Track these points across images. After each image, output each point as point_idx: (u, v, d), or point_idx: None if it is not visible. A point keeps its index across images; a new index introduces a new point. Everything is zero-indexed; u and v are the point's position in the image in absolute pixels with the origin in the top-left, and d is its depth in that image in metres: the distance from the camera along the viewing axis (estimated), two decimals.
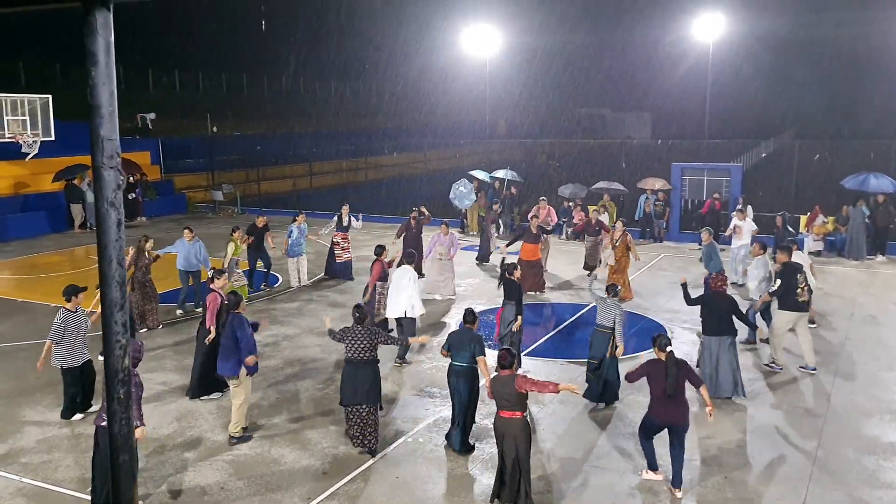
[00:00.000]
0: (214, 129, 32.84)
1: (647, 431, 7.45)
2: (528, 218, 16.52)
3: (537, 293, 14.82)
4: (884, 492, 7.32)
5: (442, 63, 47.06)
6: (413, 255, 11.96)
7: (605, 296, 9.60)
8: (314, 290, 15.71)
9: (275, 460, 8.16)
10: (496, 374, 7.10)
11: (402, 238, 16.18)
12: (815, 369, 10.46)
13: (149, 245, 12.75)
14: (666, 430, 7.31)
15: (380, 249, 12.16)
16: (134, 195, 25.86)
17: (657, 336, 7.46)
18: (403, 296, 11.12)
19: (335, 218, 16.50)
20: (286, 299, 15.01)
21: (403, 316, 11.16)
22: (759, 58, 62.26)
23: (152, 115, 31.87)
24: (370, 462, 8.05)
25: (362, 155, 38.52)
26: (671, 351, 7.22)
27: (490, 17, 36.19)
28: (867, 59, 63.50)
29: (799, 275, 10.43)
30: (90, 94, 2.46)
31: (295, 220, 15.98)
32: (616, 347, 9.30)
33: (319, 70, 55.18)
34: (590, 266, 16.29)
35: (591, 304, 14.32)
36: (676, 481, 7.28)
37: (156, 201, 27.37)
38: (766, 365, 10.72)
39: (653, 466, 7.53)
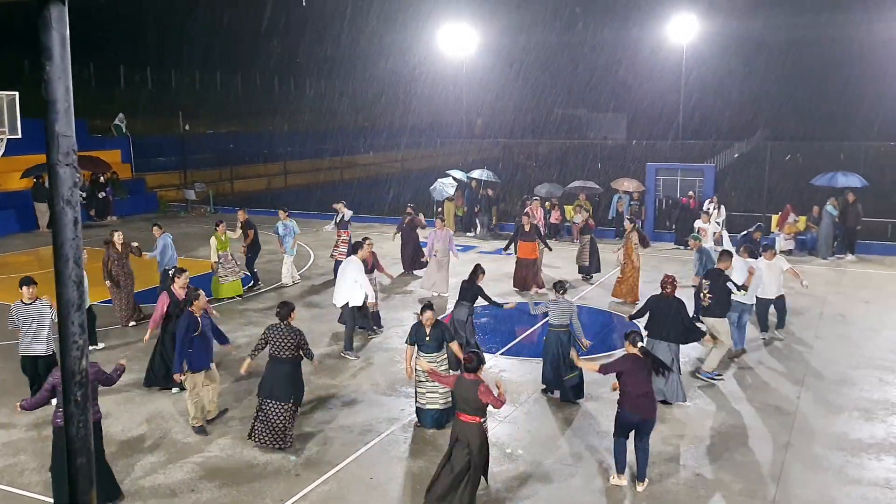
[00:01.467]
0: (187, 127, 32.47)
1: (623, 429, 7.43)
2: (522, 217, 16.45)
3: (536, 291, 14.84)
4: (852, 488, 7.42)
5: (418, 62, 47.00)
6: (358, 246, 11.96)
7: (555, 294, 9.72)
8: (293, 289, 15.57)
9: (246, 462, 8.06)
10: (461, 375, 7.04)
11: (398, 236, 16.72)
12: (719, 374, 10.39)
13: (116, 238, 12.75)
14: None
15: (358, 245, 12.13)
16: (104, 194, 25.48)
17: (630, 332, 7.51)
18: (343, 286, 11.36)
19: (334, 216, 16.49)
20: (260, 299, 14.86)
21: (346, 305, 11.36)
22: (733, 60, 62.96)
23: (122, 119, 31.28)
24: (344, 463, 7.99)
25: (338, 154, 38.31)
26: (643, 346, 7.26)
27: (466, 17, 36.17)
28: (839, 62, 64.54)
29: (727, 282, 10.34)
30: (45, 90, 2.38)
31: (279, 217, 15.79)
32: (573, 348, 9.40)
33: (294, 68, 54.83)
34: (583, 269, 16.11)
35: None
36: (641, 475, 7.39)
37: (127, 200, 26.99)
38: (709, 378, 10.25)
39: (621, 470, 7.49)
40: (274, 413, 8.18)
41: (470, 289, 10.66)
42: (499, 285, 15.02)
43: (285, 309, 8.44)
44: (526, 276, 15.11)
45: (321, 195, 28.96)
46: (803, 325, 12.85)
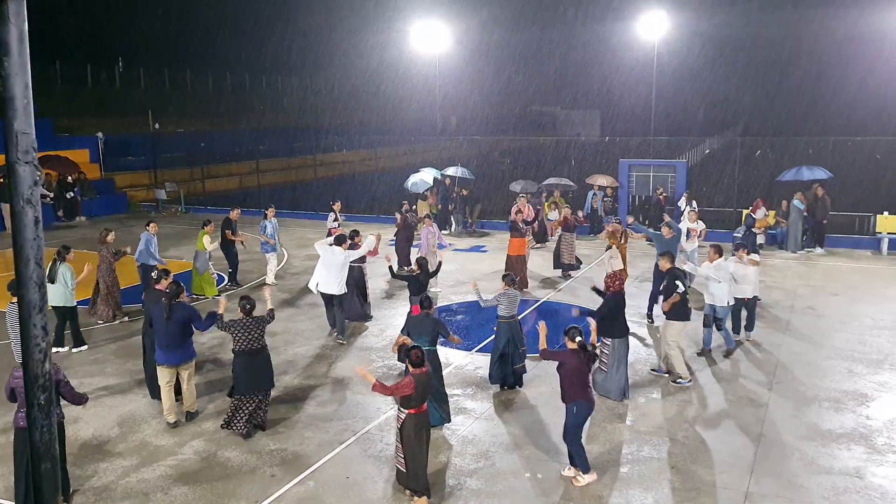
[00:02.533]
0: (157, 125, 32.04)
1: (580, 424, 7.50)
2: (513, 214, 16.43)
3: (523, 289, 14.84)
4: (823, 477, 7.53)
5: (392, 60, 46.89)
6: (342, 238, 12.32)
7: (502, 286, 9.89)
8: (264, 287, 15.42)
9: (221, 464, 7.97)
10: (417, 372, 7.05)
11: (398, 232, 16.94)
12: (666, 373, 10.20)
13: (109, 238, 13.08)
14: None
15: (354, 233, 12.82)
16: (73, 194, 25.06)
17: (569, 328, 7.56)
18: (316, 273, 12.00)
19: (331, 214, 16.86)
20: (231, 297, 14.70)
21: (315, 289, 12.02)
22: (703, 57, 63.62)
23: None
24: (320, 463, 7.94)
25: (311, 152, 38.06)
26: (581, 340, 7.39)
27: (439, 14, 36.16)
28: (806, 58, 65.53)
29: (680, 283, 9.98)
30: (3, 86, 2.32)
31: (265, 216, 15.66)
32: (524, 338, 9.74)
33: (266, 66, 54.35)
34: (565, 264, 16.07)
35: (541, 300, 14.44)
36: (573, 460, 7.53)
37: (95, 200, 26.57)
38: (673, 382, 10.01)
39: (586, 468, 7.49)
40: (257, 402, 8.52)
41: (411, 281, 10.88)
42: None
43: (250, 303, 8.59)
44: (517, 273, 14.88)
45: (295, 194, 28.80)
46: (774, 318, 13.02)
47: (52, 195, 24.53)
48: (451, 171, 23.58)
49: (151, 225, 13.90)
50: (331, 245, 12.03)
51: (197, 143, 33.19)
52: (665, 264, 10.27)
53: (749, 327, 11.82)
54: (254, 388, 8.45)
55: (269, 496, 7.29)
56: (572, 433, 7.47)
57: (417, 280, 10.78)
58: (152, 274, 10.28)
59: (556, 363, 7.53)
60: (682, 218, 19.41)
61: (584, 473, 7.45)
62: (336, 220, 16.73)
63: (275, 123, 42.98)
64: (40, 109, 31.77)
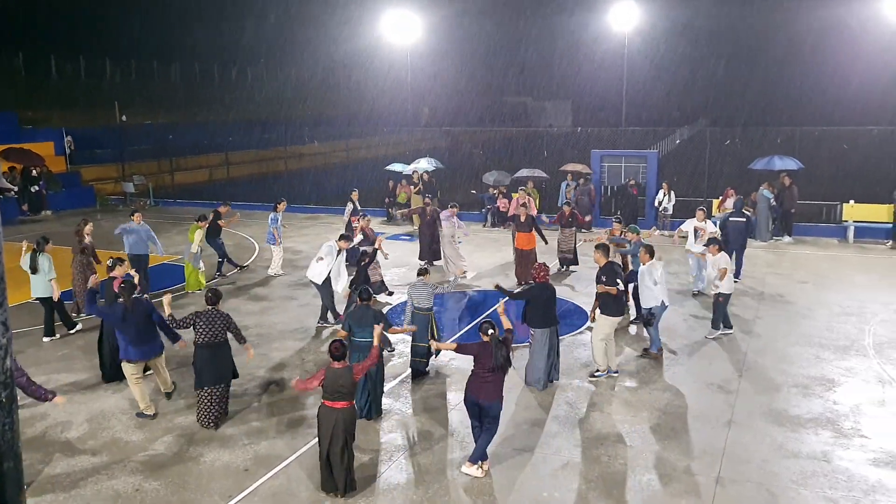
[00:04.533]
0: (123, 117, 31.46)
1: (468, 410, 7.59)
2: (517, 208, 16.20)
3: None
4: (791, 461, 7.66)
5: (363, 50, 46.54)
6: (349, 237, 12.60)
7: (417, 278, 9.98)
8: (237, 281, 15.27)
9: (193, 459, 7.88)
10: (329, 366, 7.06)
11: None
12: (616, 373, 9.96)
13: (87, 229, 12.91)
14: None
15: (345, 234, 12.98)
16: (37, 188, 24.55)
17: (482, 323, 7.62)
18: (316, 265, 12.02)
19: (349, 204, 17.07)
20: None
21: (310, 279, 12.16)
22: (673, 47, 64.17)
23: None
24: (293, 457, 7.88)
25: (282, 144, 37.69)
26: (493, 333, 7.45)
27: (411, 4, 35.94)
28: (776, 50, 66.39)
29: (619, 278, 9.85)
30: None
31: (276, 209, 15.75)
32: (437, 329, 9.81)
33: (235, 57, 53.64)
34: (566, 260, 15.80)
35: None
36: (477, 456, 7.47)
37: (61, 194, 26.03)
38: (591, 374, 10.00)
39: (474, 458, 7.52)
40: (220, 395, 8.53)
41: (359, 273, 11.07)
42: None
43: (216, 294, 8.62)
44: (526, 268, 14.48)
45: (266, 186, 28.50)
46: (744, 305, 13.19)
47: (16, 189, 24.01)
48: (423, 164, 23.53)
49: (136, 215, 13.84)
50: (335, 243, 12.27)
51: (165, 136, 32.66)
52: (601, 259, 10.06)
53: (714, 325, 11.57)
54: (215, 382, 8.43)
55: (243, 490, 7.23)
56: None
57: (364, 271, 10.88)
58: (107, 262, 10.12)
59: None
60: (660, 211, 19.62)
61: (470, 462, 7.49)
62: (355, 210, 16.95)
63: (245, 115, 42.45)
64: (4, 102, 31.07)
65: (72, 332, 11.94)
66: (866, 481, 7.25)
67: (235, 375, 8.79)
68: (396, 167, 23.87)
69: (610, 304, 9.84)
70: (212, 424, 8.48)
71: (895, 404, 9.04)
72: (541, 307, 9.50)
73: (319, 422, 7.04)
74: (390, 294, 13.93)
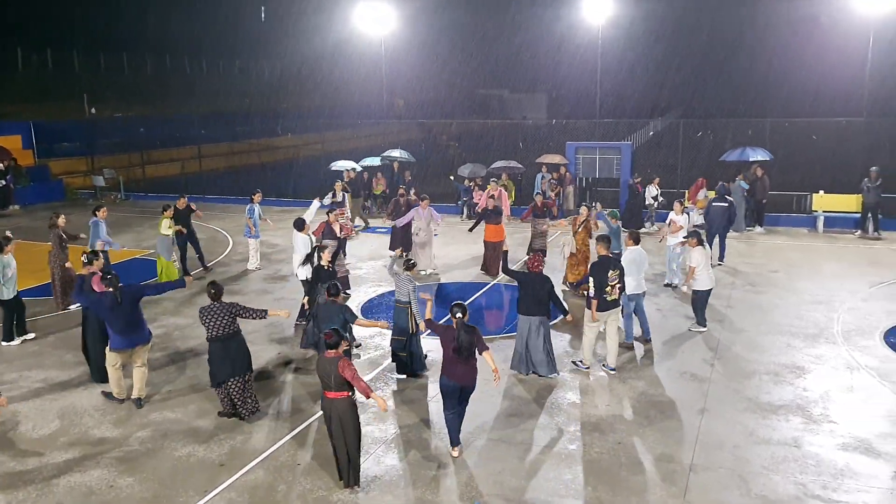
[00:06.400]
0: (93, 110, 30.95)
1: (444, 396, 7.64)
2: (484, 200, 16.16)
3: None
4: (763, 448, 7.79)
5: (336, 41, 46.16)
6: (302, 222, 12.82)
7: (399, 270, 9.92)
8: (211, 277, 15.12)
9: (167, 454, 7.81)
10: (321, 354, 7.06)
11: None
12: (614, 370, 9.84)
13: (60, 221, 12.78)
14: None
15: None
16: (4, 182, 24.07)
17: (452, 305, 7.70)
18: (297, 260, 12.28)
19: (331, 194, 16.84)
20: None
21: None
22: (647, 40, 64.52)
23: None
24: (271, 450, 7.85)
25: (255, 137, 37.30)
26: (460, 318, 7.54)
27: None
28: (747, 42, 67.06)
29: (611, 272, 9.65)
30: None
31: (252, 200, 15.58)
32: (418, 322, 9.67)
33: (207, 49, 52.94)
34: (535, 249, 15.56)
35: (491, 283, 14.50)
36: (454, 441, 7.65)
37: (29, 188, 25.60)
38: (573, 362, 10.13)
39: (455, 442, 7.67)
40: (241, 386, 8.41)
41: (319, 272, 10.78)
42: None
43: (216, 288, 8.49)
44: (490, 257, 14.79)
45: (238, 179, 28.23)
46: (716, 294, 13.29)
47: None
48: (395, 153, 23.40)
49: (101, 210, 13.65)
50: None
51: (136, 128, 32.19)
52: (601, 250, 10.03)
53: (702, 322, 11.57)
54: (230, 375, 8.34)
55: (219, 485, 7.18)
56: (444, 408, 7.71)
57: (324, 268, 10.78)
58: (82, 257, 9.96)
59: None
60: (654, 206, 19.73)
61: (452, 446, 7.67)
62: (334, 198, 16.76)
63: (217, 107, 41.94)
64: None
65: (6, 343, 11.19)
66: (835, 466, 7.40)
67: (250, 368, 8.59)
68: (341, 163, 23.15)
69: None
70: (243, 414, 8.47)
71: (863, 391, 9.22)
72: (529, 295, 9.60)
73: (323, 412, 7.09)
74: (347, 295, 12.94)
